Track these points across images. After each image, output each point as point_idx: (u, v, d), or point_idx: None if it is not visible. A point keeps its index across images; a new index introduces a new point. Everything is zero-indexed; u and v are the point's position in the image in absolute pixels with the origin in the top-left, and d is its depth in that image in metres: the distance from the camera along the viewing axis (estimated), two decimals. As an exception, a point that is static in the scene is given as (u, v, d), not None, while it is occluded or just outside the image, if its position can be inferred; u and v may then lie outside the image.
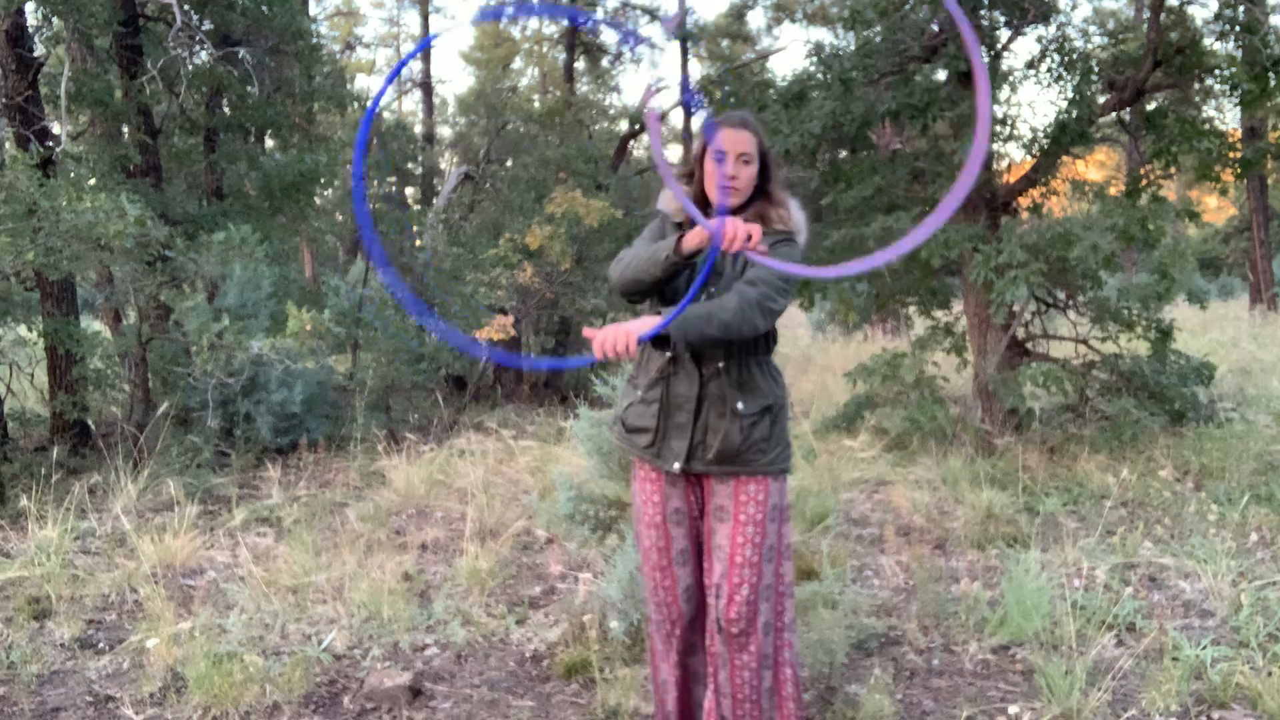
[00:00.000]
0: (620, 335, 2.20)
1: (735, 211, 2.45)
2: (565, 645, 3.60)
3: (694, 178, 2.52)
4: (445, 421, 8.41)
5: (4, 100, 6.89)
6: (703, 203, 2.51)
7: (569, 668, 3.44)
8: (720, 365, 2.42)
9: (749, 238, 2.08)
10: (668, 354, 2.44)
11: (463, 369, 10.33)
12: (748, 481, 2.45)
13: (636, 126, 14.00)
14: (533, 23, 26.60)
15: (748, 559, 2.43)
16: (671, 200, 2.53)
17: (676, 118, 23.37)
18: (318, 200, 11.91)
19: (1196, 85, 7.14)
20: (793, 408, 8.44)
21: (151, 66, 7.61)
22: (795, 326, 18.18)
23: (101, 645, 3.79)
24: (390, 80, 2.60)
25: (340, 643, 3.68)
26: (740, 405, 2.42)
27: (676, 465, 2.46)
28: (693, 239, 2.22)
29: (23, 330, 7.97)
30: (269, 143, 12.09)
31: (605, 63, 24.79)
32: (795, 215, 2.50)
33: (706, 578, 2.55)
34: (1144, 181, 6.87)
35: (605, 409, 3.89)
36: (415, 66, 26.77)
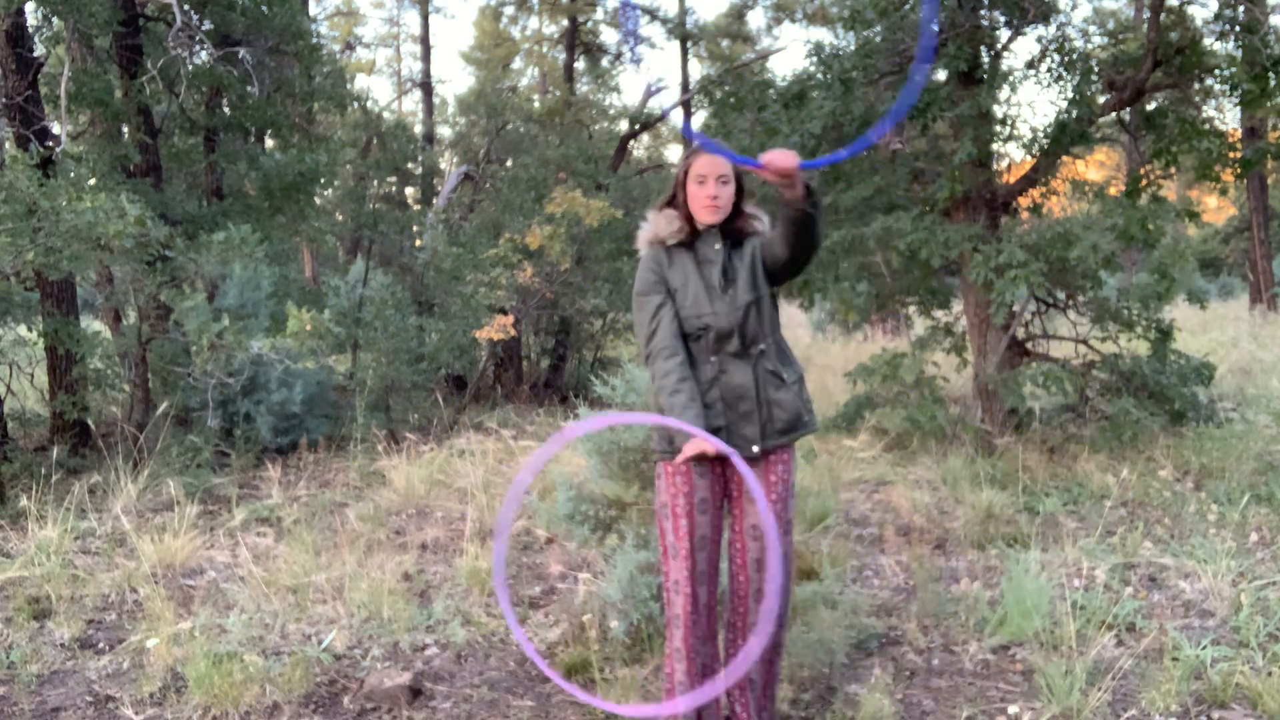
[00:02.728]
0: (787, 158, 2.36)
1: (720, 225, 2.73)
2: (565, 645, 3.61)
3: (677, 200, 2.75)
4: (445, 421, 8.41)
5: (4, 100, 6.89)
6: (689, 223, 2.75)
7: (569, 668, 3.44)
8: (762, 348, 2.71)
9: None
10: (712, 356, 2.70)
11: (463, 369, 10.33)
12: (776, 463, 2.73)
13: (637, 126, 14.00)
14: (533, 22, 26.64)
15: (777, 535, 2.68)
16: (659, 227, 2.75)
17: (676, 117, 23.36)
18: (318, 200, 11.90)
19: (1196, 85, 7.14)
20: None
21: (151, 66, 7.61)
22: (795, 326, 18.14)
23: (101, 645, 3.79)
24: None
25: (340, 643, 3.68)
26: (786, 375, 2.74)
27: (755, 449, 2.69)
28: (691, 451, 2.54)
29: (23, 330, 7.97)
30: (269, 143, 12.07)
31: (605, 63, 24.81)
32: (767, 222, 2.81)
33: (740, 557, 2.76)
34: (1144, 181, 6.87)
35: (605, 409, 3.89)
36: (415, 66, 26.75)
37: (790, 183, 2.40)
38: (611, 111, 21.56)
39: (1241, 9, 6.35)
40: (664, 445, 2.73)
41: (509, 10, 25.69)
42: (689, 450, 2.53)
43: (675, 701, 2.75)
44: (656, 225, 2.77)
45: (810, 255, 2.64)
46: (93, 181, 6.18)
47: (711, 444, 2.45)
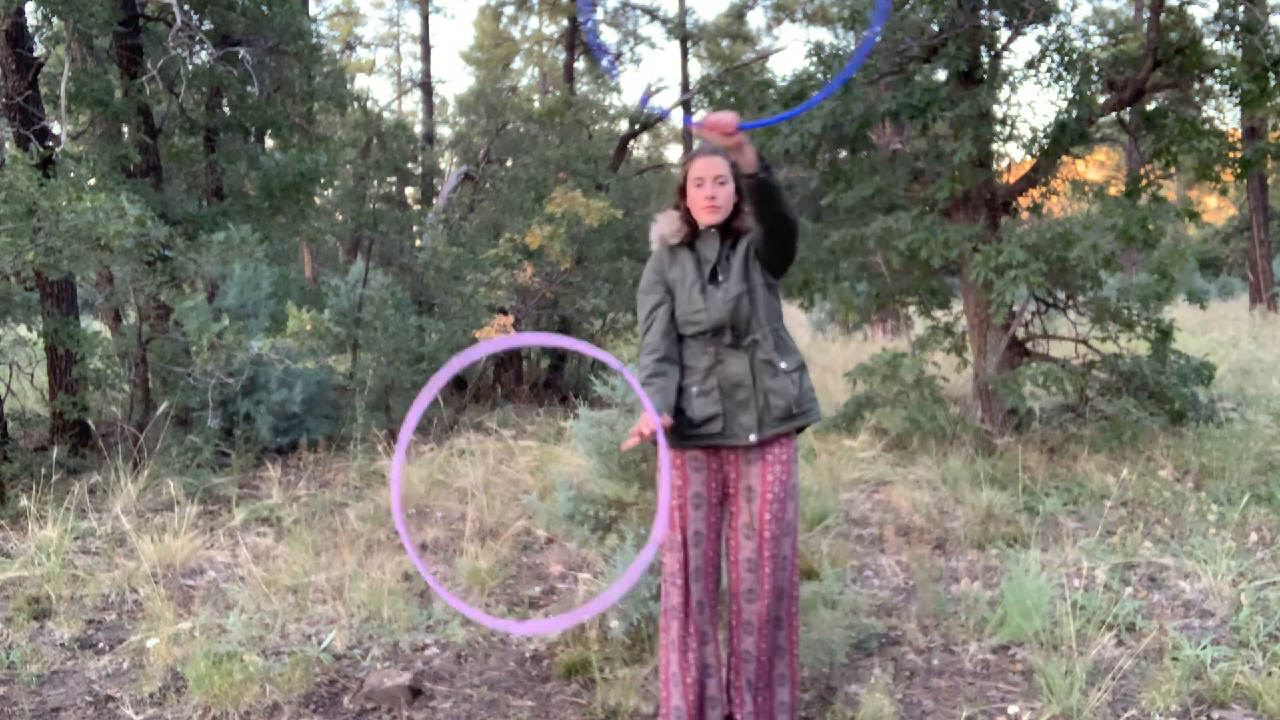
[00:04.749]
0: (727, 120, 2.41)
1: (719, 225, 2.81)
2: (565, 645, 3.60)
3: (680, 205, 2.86)
4: (445, 421, 8.41)
5: (4, 100, 6.89)
6: (691, 225, 2.85)
7: (569, 668, 3.44)
8: (756, 338, 2.75)
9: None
10: (709, 348, 2.76)
11: (463, 369, 10.31)
12: (773, 462, 2.75)
13: (637, 126, 13.99)
14: (533, 22, 26.65)
15: (774, 534, 2.74)
16: (663, 227, 2.88)
17: (676, 117, 23.34)
18: (318, 200, 11.89)
19: (1196, 85, 7.14)
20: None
21: (151, 66, 7.61)
22: (795, 327, 18.15)
23: (101, 645, 3.79)
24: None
25: (340, 643, 3.68)
26: (784, 364, 2.75)
27: (752, 437, 2.71)
28: (640, 429, 2.52)
29: (23, 330, 7.97)
30: (269, 143, 12.07)
31: (605, 63, 24.78)
32: None
33: (733, 554, 2.79)
34: (1144, 181, 6.87)
35: (605, 409, 3.89)
36: (415, 66, 26.75)
37: (735, 145, 2.43)
38: (611, 111, 21.54)
39: (1241, 9, 6.35)
40: (686, 434, 2.80)
41: (509, 10, 25.71)
42: (633, 434, 2.54)
43: (669, 694, 2.78)
44: (662, 225, 2.89)
45: (785, 229, 2.65)
46: (93, 181, 6.18)
47: (648, 420, 2.46)
